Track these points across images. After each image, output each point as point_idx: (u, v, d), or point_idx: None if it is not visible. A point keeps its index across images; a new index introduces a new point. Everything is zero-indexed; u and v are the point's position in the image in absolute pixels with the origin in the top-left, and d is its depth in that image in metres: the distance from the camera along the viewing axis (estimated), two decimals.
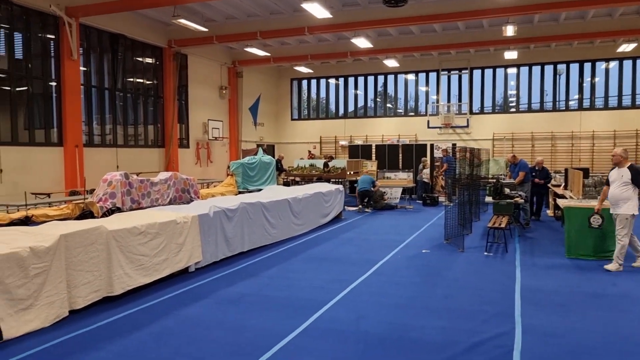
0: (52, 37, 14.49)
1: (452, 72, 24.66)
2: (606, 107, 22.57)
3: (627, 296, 6.37)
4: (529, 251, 9.24)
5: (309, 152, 24.89)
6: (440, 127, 24.22)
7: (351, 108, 27.14)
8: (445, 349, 4.64)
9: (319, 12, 14.38)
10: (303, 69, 25.32)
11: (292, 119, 27.94)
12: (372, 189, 15.52)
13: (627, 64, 22.15)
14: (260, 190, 13.69)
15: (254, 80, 25.32)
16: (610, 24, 18.12)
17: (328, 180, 16.87)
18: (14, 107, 13.60)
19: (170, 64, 19.08)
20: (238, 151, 23.42)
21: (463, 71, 24.39)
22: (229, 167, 16.08)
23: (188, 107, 20.74)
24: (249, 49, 20.15)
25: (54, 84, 14.63)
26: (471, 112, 24.25)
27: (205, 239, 7.96)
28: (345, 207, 14.75)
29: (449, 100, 24.81)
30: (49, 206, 10.53)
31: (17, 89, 13.75)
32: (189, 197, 12.34)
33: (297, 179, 18.58)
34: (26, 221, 8.48)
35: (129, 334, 5.06)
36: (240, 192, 14.24)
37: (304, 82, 27.89)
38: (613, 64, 22.40)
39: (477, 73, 24.34)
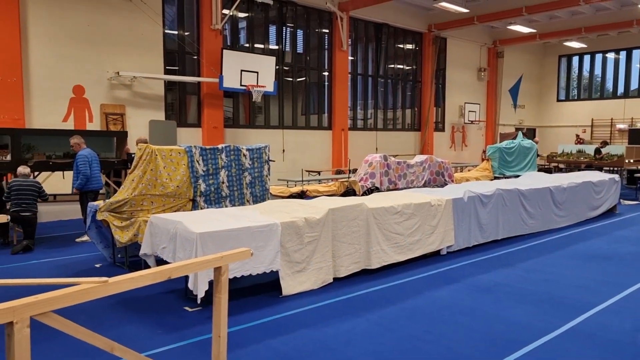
0: (327, 31, 16.14)
1: None
2: None
3: None
4: None
5: (577, 136, 22.31)
6: None
7: (634, 86, 23.21)
8: None
9: None
10: (574, 44, 22.67)
11: (558, 100, 25.38)
12: None
13: None
14: (518, 176, 12.89)
15: (516, 60, 23.78)
16: None
17: (600, 169, 14.88)
18: (294, 95, 15.70)
19: (429, 48, 19.32)
20: (495, 135, 22.46)
21: None
22: (484, 151, 15.56)
23: (445, 90, 20.73)
24: (511, 27, 18.99)
25: (326, 73, 16.34)
26: None
27: (458, 223, 7.91)
28: (621, 200, 12.82)
29: None
30: (319, 183, 11.89)
31: (297, 79, 15.81)
32: (443, 180, 12.40)
33: (561, 165, 16.88)
34: (301, 195, 9.73)
35: (383, 307, 5.40)
36: (495, 178, 13.67)
37: (575, 59, 24.96)
38: None
39: None
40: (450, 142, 21.03)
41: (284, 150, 14.97)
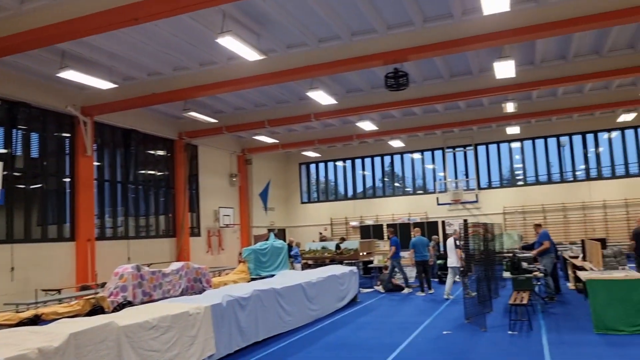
0: (68, 135, 15.00)
1: (456, 149, 25.01)
2: (614, 176, 22.55)
3: None
4: (555, 328, 8.85)
5: (320, 234, 24.77)
6: (449, 204, 24.15)
7: (360, 189, 27.33)
8: None
9: (324, 99, 14.89)
10: (311, 154, 25.83)
11: (302, 202, 28.09)
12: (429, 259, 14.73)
13: (630, 133, 22.38)
14: (272, 275, 13.46)
15: (263, 167, 25.78)
16: (608, 96, 18.51)
17: (341, 262, 16.61)
18: (28, 204, 13.81)
19: (181, 155, 19.56)
20: (249, 237, 23.35)
21: (467, 148, 24.72)
22: (240, 253, 15.95)
23: (199, 196, 20.97)
24: (257, 137, 20.71)
25: (67, 180, 14.94)
26: (479, 188, 24.29)
27: (218, 330, 7.71)
28: (360, 289, 14.41)
29: (456, 177, 24.93)
30: (59, 303, 10.36)
31: (32, 186, 14.03)
32: (201, 286, 12.14)
33: (310, 262, 18.32)
34: (35, 320, 8.30)
35: None
36: (252, 279, 14.01)
37: (312, 166, 28.33)
38: (615, 134, 22.65)
39: (481, 149, 24.64)
40: (207, 247, 21.02)
41: (13, 269, 12.77)
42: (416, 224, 21.00)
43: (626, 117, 20.17)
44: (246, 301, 8.58)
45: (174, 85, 14.03)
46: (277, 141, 22.14)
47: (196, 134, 19.48)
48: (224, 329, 7.86)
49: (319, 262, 17.69)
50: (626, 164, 22.46)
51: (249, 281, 13.49)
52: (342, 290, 12.50)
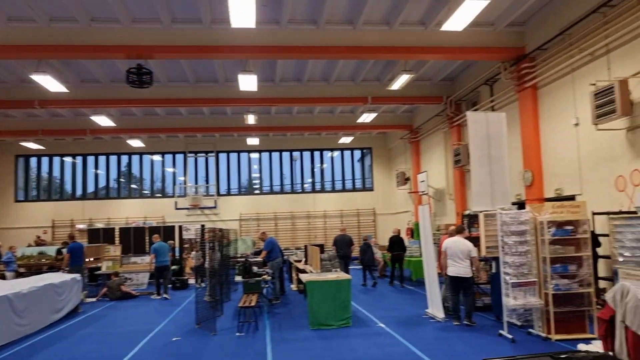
0: None
1: (199, 154, 25.15)
2: (333, 189, 25.87)
3: None
4: (278, 327, 9.56)
5: (38, 237, 21.76)
6: (188, 209, 24.10)
7: (91, 189, 25.04)
8: None
9: (52, 86, 13.15)
10: (32, 145, 22.53)
11: (17, 201, 24.25)
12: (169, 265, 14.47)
13: (347, 154, 26.09)
14: None
15: None
16: (333, 120, 21.24)
17: (62, 269, 14.84)
18: None
19: None
20: None
21: (209, 154, 25.12)
22: None
23: None
24: None
25: None
26: (219, 194, 24.89)
27: None
28: (85, 298, 13.14)
29: (196, 182, 25.05)
30: None
31: None
32: None
33: (22, 270, 15.86)
34: None
35: None
36: None
37: (33, 160, 24.77)
38: (336, 153, 26.08)
39: (222, 156, 25.34)
40: None
41: None
42: (152, 228, 20.28)
43: (345, 140, 23.52)
44: None
45: None
46: None
47: None
48: None
49: (34, 270, 15.48)
50: (343, 180, 26.03)
51: None
52: (60, 301, 11.16)
